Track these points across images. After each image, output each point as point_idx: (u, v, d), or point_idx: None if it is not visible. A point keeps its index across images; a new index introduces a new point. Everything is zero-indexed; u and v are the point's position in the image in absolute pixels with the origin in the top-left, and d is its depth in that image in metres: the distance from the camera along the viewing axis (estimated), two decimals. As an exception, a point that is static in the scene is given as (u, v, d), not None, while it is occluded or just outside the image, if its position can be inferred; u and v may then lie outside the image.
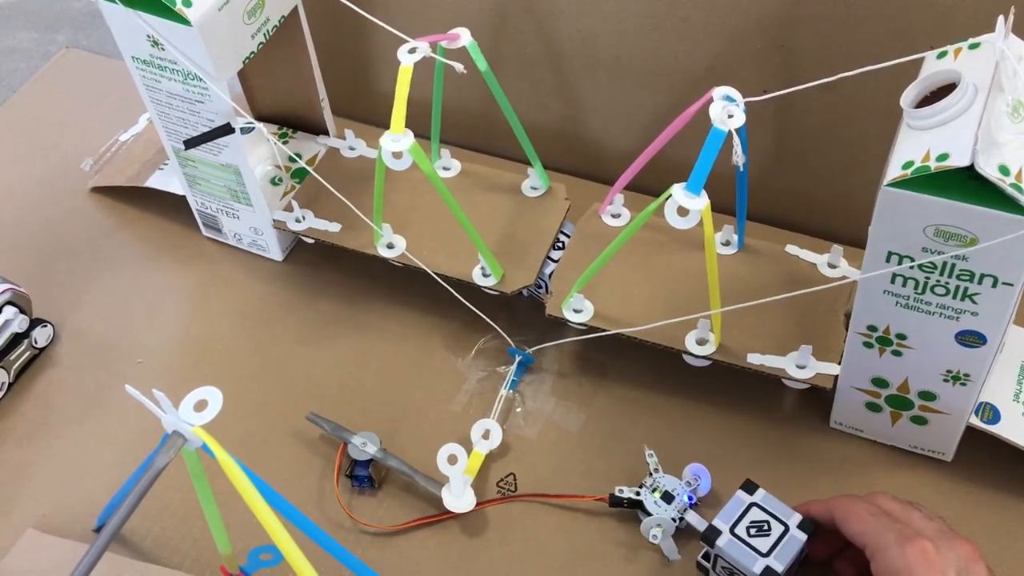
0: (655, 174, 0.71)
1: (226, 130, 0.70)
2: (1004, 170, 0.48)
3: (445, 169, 0.80)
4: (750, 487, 0.60)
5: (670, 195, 0.56)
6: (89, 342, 0.77)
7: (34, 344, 0.76)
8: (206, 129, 0.71)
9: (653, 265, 0.72)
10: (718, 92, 0.60)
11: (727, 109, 0.58)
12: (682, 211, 0.55)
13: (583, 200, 0.78)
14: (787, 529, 0.58)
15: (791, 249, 0.72)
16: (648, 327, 0.66)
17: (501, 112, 0.73)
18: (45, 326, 0.76)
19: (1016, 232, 0.48)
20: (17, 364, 0.75)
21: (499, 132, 0.76)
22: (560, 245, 0.74)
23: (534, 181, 0.77)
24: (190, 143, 0.72)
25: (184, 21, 0.64)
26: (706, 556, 0.61)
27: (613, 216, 0.76)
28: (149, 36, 0.66)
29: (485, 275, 0.71)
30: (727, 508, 0.59)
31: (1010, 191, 0.48)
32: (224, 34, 0.67)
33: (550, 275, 0.73)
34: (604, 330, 0.68)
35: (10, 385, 0.74)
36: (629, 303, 0.70)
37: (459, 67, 0.66)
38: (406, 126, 0.62)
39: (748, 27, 0.71)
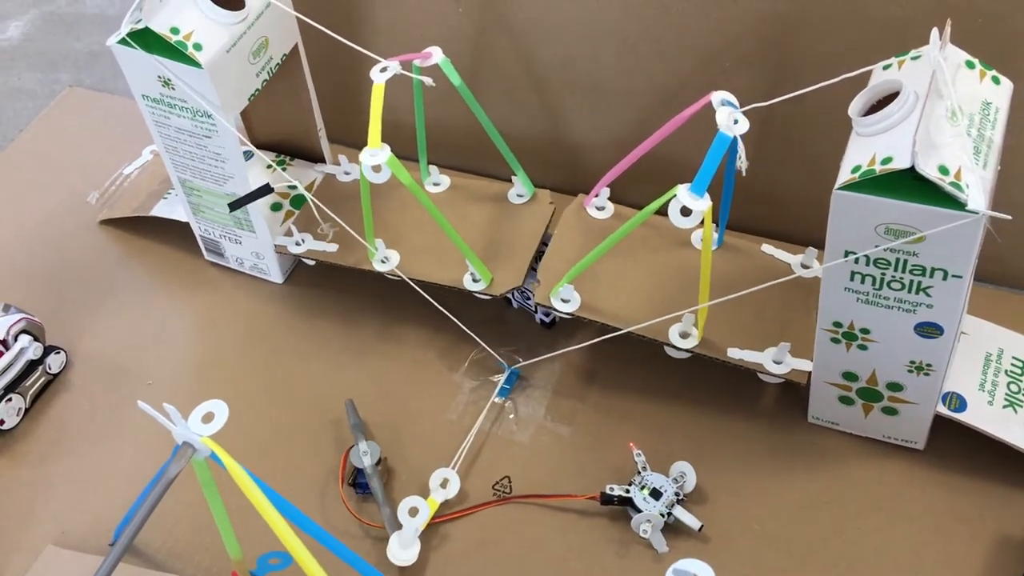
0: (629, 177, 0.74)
1: (267, 190, 0.75)
2: (943, 170, 0.52)
3: (435, 185, 0.84)
4: None
5: (674, 195, 0.59)
6: (100, 366, 0.81)
7: (48, 370, 0.79)
8: (212, 161, 0.76)
9: (637, 259, 0.75)
10: (716, 96, 0.63)
11: (732, 115, 0.61)
12: (685, 211, 0.58)
13: (567, 205, 0.80)
14: None
15: (766, 248, 0.75)
16: (646, 323, 0.68)
17: (486, 132, 0.77)
18: (58, 352, 0.80)
19: (957, 224, 0.52)
20: (33, 390, 0.78)
21: (486, 152, 0.80)
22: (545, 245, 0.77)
23: (519, 189, 0.81)
24: (234, 206, 0.77)
25: (195, 64, 0.68)
26: None
27: (598, 208, 0.78)
28: (160, 76, 0.70)
29: (475, 280, 0.75)
30: None
31: (949, 188, 0.51)
32: (232, 74, 0.71)
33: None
34: (599, 328, 0.70)
35: (27, 410, 0.78)
36: (615, 295, 0.72)
37: (428, 80, 0.70)
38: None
39: (718, 47, 0.75)
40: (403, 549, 0.66)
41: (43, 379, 0.79)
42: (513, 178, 0.81)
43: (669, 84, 0.79)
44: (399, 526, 0.67)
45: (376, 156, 0.66)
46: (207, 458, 0.51)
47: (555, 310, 0.71)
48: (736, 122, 0.61)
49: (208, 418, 0.50)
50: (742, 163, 0.61)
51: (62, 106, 1.05)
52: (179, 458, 0.49)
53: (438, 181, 0.84)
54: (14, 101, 1.08)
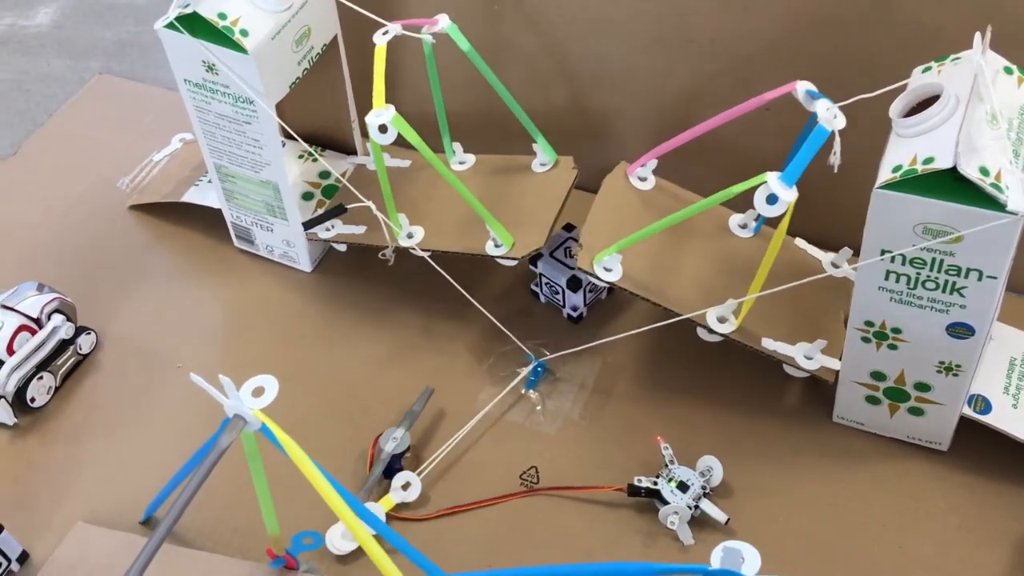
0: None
1: (340, 210, 0.79)
2: (984, 171, 0.53)
3: (460, 164, 0.84)
4: None
5: (764, 181, 0.59)
6: (130, 348, 0.82)
7: (79, 351, 0.80)
8: (250, 148, 0.77)
9: (678, 239, 0.75)
10: (801, 86, 0.64)
11: (831, 109, 0.62)
12: (771, 198, 0.59)
13: (592, 169, 0.80)
14: None
15: (799, 242, 0.77)
16: (699, 310, 0.69)
17: (508, 109, 0.77)
18: (89, 333, 0.81)
19: (996, 224, 0.53)
20: (64, 369, 0.79)
21: (512, 133, 0.81)
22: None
23: (542, 157, 0.81)
24: (308, 224, 0.80)
25: (241, 49, 0.69)
26: None
27: (640, 179, 0.78)
28: (204, 61, 0.71)
29: (497, 246, 0.75)
30: None
31: (990, 190, 0.53)
32: (275, 61, 0.72)
33: (568, 284, 0.77)
34: (626, 322, 0.71)
35: (57, 389, 0.79)
36: (655, 272, 0.72)
37: (427, 37, 0.72)
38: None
39: (752, 49, 0.76)
40: (344, 539, 0.67)
41: (74, 359, 0.80)
42: (534, 146, 0.81)
43: (701, 75, 0.80)
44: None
45: (381, 116, 0.68)
46: (256, 431, 0.52)
47: (596, 277, 0.70)
48: (836, 117, 0.61)
49: (258, 392, 0.51)
50: (836, 159, 0.61)
51: (91, 93, 1.06)
52: (230, 430, 0.50)
53: (463, 160, 0.85)
54: (44, 87, 1.08)
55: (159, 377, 0.80)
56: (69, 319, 0.79)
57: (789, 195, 0.59)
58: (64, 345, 0.79)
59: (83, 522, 0.70)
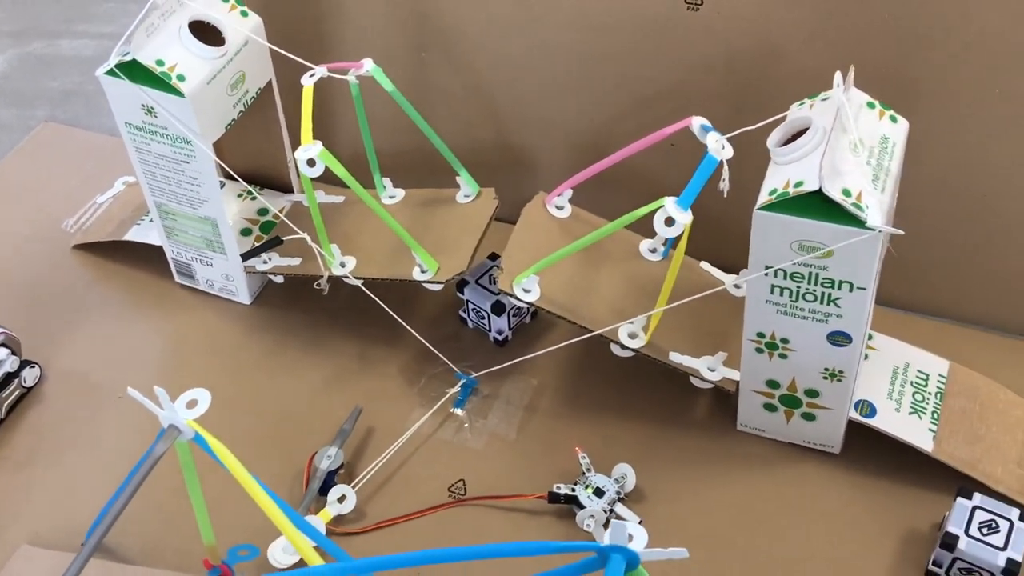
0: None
1: (276, 242, 0.84)
2: (847, 192, 0.60)
3: (391, 198, 0.90)
4: (967, 492, 0.68)
5: (661, 205, 0.66)
6: (73, 382, 0.85)
7: (24, 383, 0.83)
8: (188, 186, 0.82)
9: (591, 261, 0.80)
10: (696, 121, 0.70)
11: (720, 141, 0.68)
12: (669, 221, 0.65)
13: (513, 202, 0.85)
14: (1012, 523, 0.66)
15: (704, 265, 0.83)
16: (611, 326, 0.74)
17: (431, 145, 0.82)
18: (34, 367, 0.84)
19: (859, 239, 0.60)
20: (8, 401, 0.82)
21: (438, 169, 0.86)
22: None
23: (465, 189, 0.86)
24: (247, 256, 0.85)
25: (179, 93, 0.74)
26: (936, 563, 0.68)
27: (557, 208, 0.84)
28: (144, 104, 0.76)
29: (423, 271, 0.80)
30: (955, 515, 0.66)
31: (851, 209, 0.59)
32: (211, 104, 0.77)
33: (494, 306, 0.83)
34: (549, 342, 0.77)
35: (1, 421, 0.81)
36: (571, 292, 0.77)
37: (352, 79, 0.78)
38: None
39: (659, 88, 0.83)
40: (285, 553, 0.71)
41: (18, 391, 0.83)
42: (458, 179, 0.86)
43: (610, 114, 0.86)
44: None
45: (309, 151, 0.73)
46: (190, 441, 0.56)
47: (516, 298, 0.75)
48: (723, 147, 0.68)
49: (192, 404, 0.55)
50: (725, 185, 0.68)
51: (37, 140, 1.10)
52: (164, 440, 0.54)
53: (393, 194, 0.90)
54: (-10, 134, 1.12)
55: (102, 407, 0.83)
56: (14, 353, 0.82)
57: (684, 217, 0.66)
58: (9, 378, 0.82)
59: (27, 544, 0.73)
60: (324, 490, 0.75)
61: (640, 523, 0.71)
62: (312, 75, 0.78)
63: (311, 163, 0.73)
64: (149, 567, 0.71)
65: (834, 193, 0.59)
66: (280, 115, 0.87)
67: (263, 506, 0.54)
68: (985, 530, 0.66)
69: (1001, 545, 0.66)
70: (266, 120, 0.87)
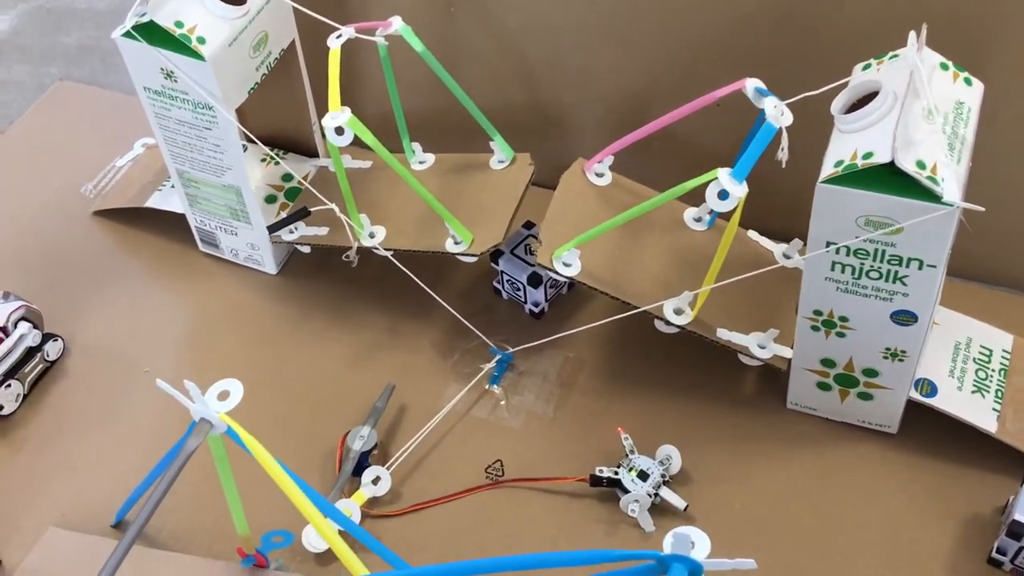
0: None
1: (303, 213, 0.79)
2: (921, 164, 0.55)
3: (420, 163, 0.86)
4: None
5: (715, 177, 0.61)
6: (97, 355, 0.83)
7: (46, 357, 0.81)
8: (211, 153, 0.78)
9: (634, 233, 0.76)
10: (750, 83, 0.66)
11: (779, 107, 0.63)
12: (723, 193, 0.61)
13: (550, 166, 0.81)
14: None
15: (752, 234, 0.79)
16: (656, 303, 0.70)
17: (463, 108, 0.78)
18: (56, 340, 0.81)
19: (933, 216, 0.55)
20: (31, 376, 0.80)
21: (470, 133, 0.82)
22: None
23: (499, 155, 0.82)
24: (273, 228, 0.81)
25: (199, 56, 0.70)
26: (1000, 551, 0.65)
27: (597, 175, 0.79)
28: (163, 68, 0.72)
29: (456, 243, 0.76)
30: (1022, 501, 0.62)
31: (926, 182, 0.55)
32: (233, 67, 0.73)
33: (528, 280, 0.79)
34: (587, 316, 0.73)
35: (25, 396, 0.79)
36: (612, 266, 0.74)
37: (380, 39, 0.74)
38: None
39: (705, 43, 0.78)
40: (319, 537, 0.68)
41: (41, 366, 0.80)
42: (491, 144, 0.82)
43: (653, 73, 0.82)
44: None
45: (336, 118, 0.69)
46: (223, 435, 0.53)
47: (556, 273, 0.71)
48: (783, 114, 0.63)
49: (224, 396, 0.52)
50: (784, 154, 0.63)
51: (53, 99, 1.06)
52: (196, 434, 0.51)
53: (423, 159, 0.86)
54: (4, 93, 1.09)
55: (127, 382, 0.81)
56: (36, 326, 0.80)
57: (739, 191, 0.61)
58: (31, 352, 0.79)
59: (55, 527, 0.71)
60: (358, 471, 0.72)
61: (686, 508, 0.69)
62: (339, 36, 0.74)
63: (339, 131, 0.69)
64: (182, 551, 0.69)
65: (907, 165, 0.55)
66: (304, 76, 0.83)
67: (294, 500, 0.52)
68: None
69: None
70: (290, 81, 0.83)
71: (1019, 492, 0.64)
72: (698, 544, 0.45)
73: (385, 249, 0.78)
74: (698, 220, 0.79)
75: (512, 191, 0.79)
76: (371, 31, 0.76)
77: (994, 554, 0.66)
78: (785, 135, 0.63)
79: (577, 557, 0.45)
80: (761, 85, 0.66)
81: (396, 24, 0.76)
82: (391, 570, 0.58)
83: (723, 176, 0.61)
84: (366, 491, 0.71)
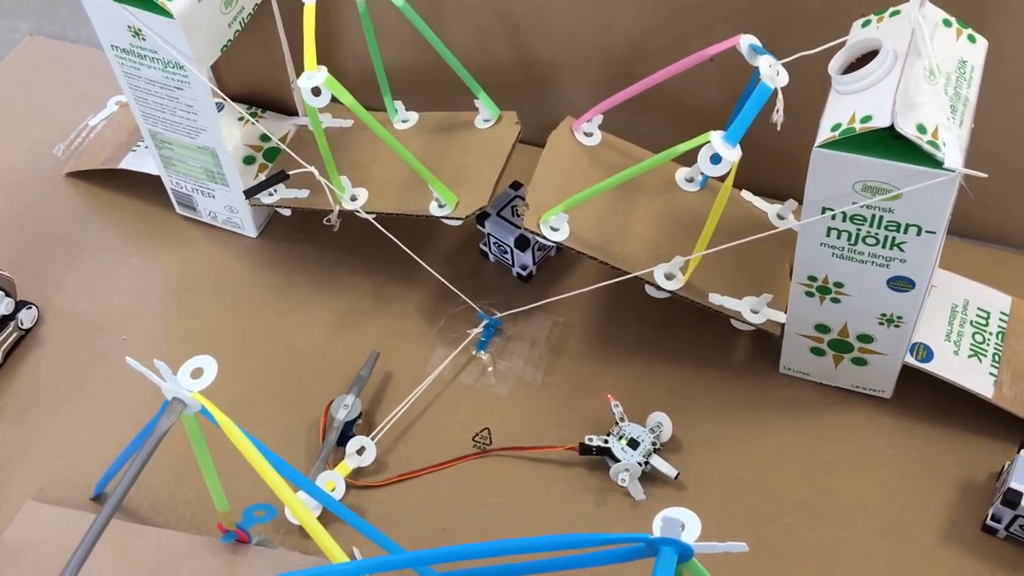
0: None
1: (282, 177, 0.76)
2: (921, 128, 0.53)
3: (403, 122, 0.83)
4: None
5: (707, 140, 0.59)
6: (73, 322, 0.80)
7: (20, 326, 0.78)
8: (184, 114, 0.75)
9: (625, 195, 0.74)
10: (744, 40, 0.63)
11: (774, 66, 0.61)
12: (716, 157, 0.58)
13: (537, 123, 0.79)
14: None
15: (745, 195, 0.76)
16: (647, 269, 0.68)
17: (447, 64, 0.75)
18: (30, 308, 0.79)
19: (934, 182, 0.53)
20: (5, 345, 0.77)
21: (456, 87, 0.79)
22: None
23: (484, 113, 0.79)
24: (249, 193, 0.78)
25: (167, 13, 0.67)
26: (995, 518, 0.64)
27: (586, 134, 0.77)
28: (130, 26, 0.69)
29: (441, 206, 0.74)
30: (1018, 469, 0.61)
31: (927, 147, 0.53)
32: (204, 24, 0.70)
33: (518, 239, 0.77)
34: (575, 280, 0.71)
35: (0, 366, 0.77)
36: (602, 229, 0.71)
37: None
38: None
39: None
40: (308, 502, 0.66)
41: (15, 335, 0.78)
42: (476, 102, 0.79)
43: (644, 28, 0.79)
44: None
45: (312, 78, 0.66)
46: (196, 413, 0.51)
47: (543, 237, 0.69)
48: (778, 73, 0.60)
49: (197, 373, 0.50)
50: (779, 116, 0.61)
51: (23, 55, 1.02)
52: (169, 413, 0.49)
53: (406, 118, 0.83)
54: (-30, 49, 1.05)
55: (104, 350, 0.79)
56: (8, 294, 0.77)
57: (732, 154, 0.59)
58: (4, 321, 0.77)
59: (33, 500, 0.69)
60: (342, 441, 0.71)
61: (677, 476, 0.68)
62: None
63: (316, 92, 0.66)
64: (163, 523, 0.68)
65: (907, 130, 0.52)
66: (281, 32, 0.79)
67: (270, 482, 0.50)
68: None
69: None
70: (265, 37, 0.79)
71: (1015, 459, 0.63)
72: (688, 526, 0.43)
73: (367, 212, 0.75)
74: (690, 181, 0.77)
75: (498, 151, 0.76)
76: None
77: (988, 521, 0.65)
78: (781, 96, 0.61)
79: (565, 541, 0.43)
80: (756, 42, 0.63)
81: None
82: (372, 556, 0.57)
83: (716, 140, 0.59)
84: (351, 462, 0.69)
